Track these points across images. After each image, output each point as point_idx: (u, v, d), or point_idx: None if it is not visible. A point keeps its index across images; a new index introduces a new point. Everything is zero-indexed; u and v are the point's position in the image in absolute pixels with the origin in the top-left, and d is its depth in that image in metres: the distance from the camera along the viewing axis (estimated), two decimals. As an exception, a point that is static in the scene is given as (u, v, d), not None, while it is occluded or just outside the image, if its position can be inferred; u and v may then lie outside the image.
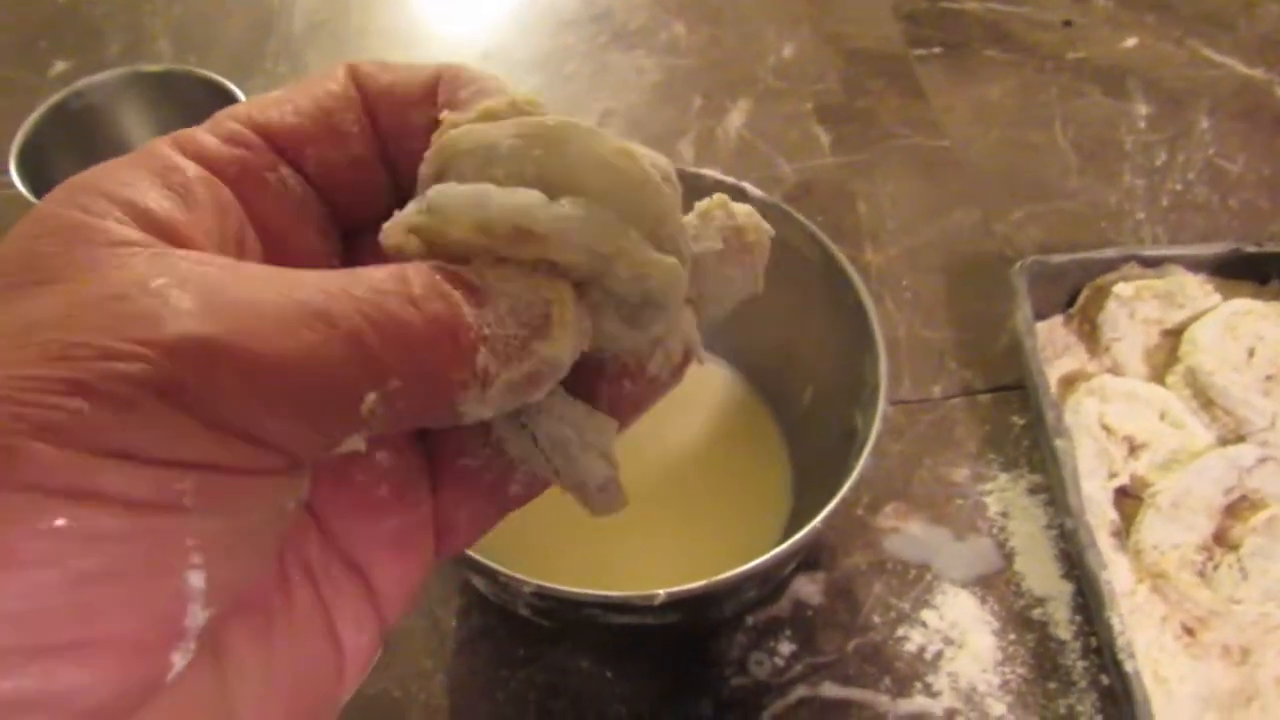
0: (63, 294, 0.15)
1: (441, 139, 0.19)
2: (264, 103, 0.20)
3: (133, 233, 0.16)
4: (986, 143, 0.67)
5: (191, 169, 0.18)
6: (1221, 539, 0.47)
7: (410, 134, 0.21)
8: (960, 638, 0.47)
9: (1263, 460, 0.48)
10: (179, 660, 0.15)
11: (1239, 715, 0.43)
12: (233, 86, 0.53)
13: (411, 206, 0.18)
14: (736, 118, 0.69)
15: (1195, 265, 0.56)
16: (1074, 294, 0.56)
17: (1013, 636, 0.47)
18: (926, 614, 0.47)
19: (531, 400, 0.18)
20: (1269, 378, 0.52)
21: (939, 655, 0.46)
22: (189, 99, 0.54)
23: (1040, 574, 0.49)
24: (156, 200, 0.17)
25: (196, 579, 0.15)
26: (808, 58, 0.73)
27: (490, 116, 0.19)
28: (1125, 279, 0.55)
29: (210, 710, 0.16)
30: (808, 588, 0.48)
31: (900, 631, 0.47)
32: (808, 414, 0.49)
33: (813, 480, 0.47)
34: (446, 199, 0.18)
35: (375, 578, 0.20)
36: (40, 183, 0.49)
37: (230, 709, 0.16)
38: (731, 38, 0.74)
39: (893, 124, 0.68)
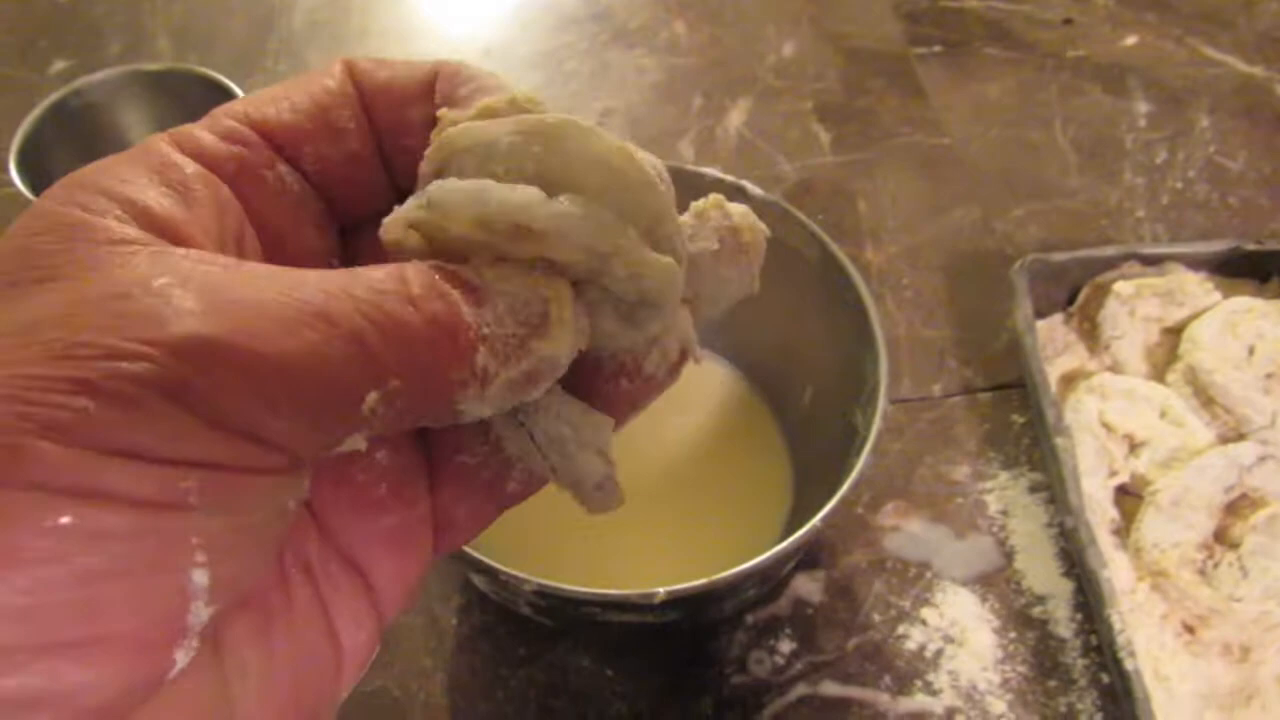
0: (65, 292, 0.15)
1: (441, 136, 0.19)
2: (260, 99, 0.20)
3: (133, 231, 0.16)
4: (987, 141, 0.67)
5: (190, 166, 0.18)
6: (1222, 537, 0.47)
7: (407, 130, 0.21)
8: (960, 636, 0.47)
9: (1263, 458, 0.48)
10: (182, 658, 0.15)
11: (1239, 713, 0.43)
12: (233, 85, 0.53)
13: (411, 202, 0.18)
14: (737, 116, 0.69)
15: (1195, 263, 0.56)
16: (1074, 292, 0.56)
17: (1013, 635, 0.47)
18: (927, 612, 0.47)
19: (530, 398, 0.18)
20: (1269, 376, 0.52)
21: (939, 653, 0.46)
22: (189, 98, 0.54)
23: (1040, 572, 0.49)
24: (155, 198, 0.17)
25: (200, 577, 0.15)
26: (808, 56, 0.73)
27: (490, 114, 0.19)
28: (1125, 277, 0.55)
29: (211, 707, 0.16)
30: (808, 586, 0.48)
31: (900, 630, 0.47)
32: (808, 412, 0.49)
33: (813, 478, 0.47)
34: (446, 194, 0.18)
35: (374, 575, 0.20)
36: (40, 181, 0.49)
37: (230, 706, 0.17)
38: (732, 37, 0.74)
39: (893, 123, 0.68)
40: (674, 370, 0.21)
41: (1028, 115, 0.69)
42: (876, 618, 0.47)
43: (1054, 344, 0.55)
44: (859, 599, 0.48)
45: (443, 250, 0.18)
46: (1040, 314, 0.55)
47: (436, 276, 0.17)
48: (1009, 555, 0.49)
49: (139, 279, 0.15)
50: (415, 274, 0.17)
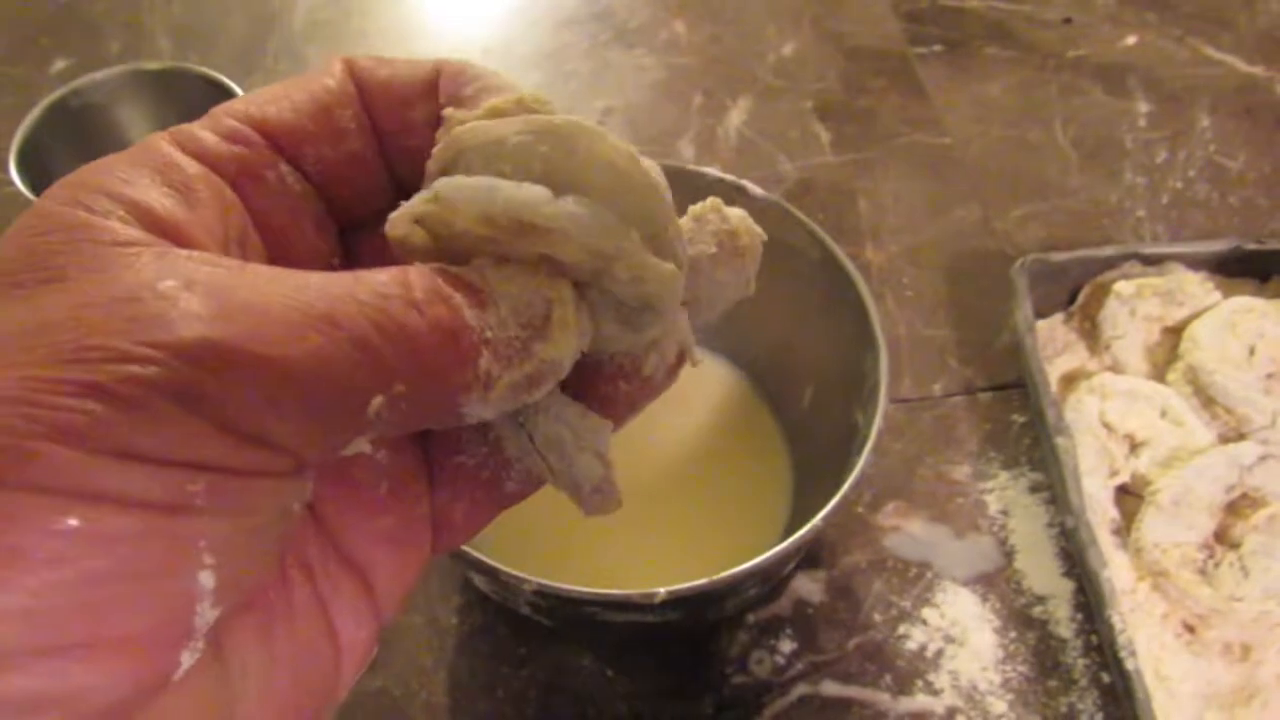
0: (71, 294, 0.15)
1: (449, 134, 0.19)
2: (261, 99, 0.20)
3: (137, 232, 0.16)
4: (987, 141, 0.67)
5: (192, 166, 0.18)
6: (1222, 537, 0.47)
7: (409, 130, 0.21)
8: (961, 636, 0.47)
9: (1263, 458, 0.48)
10: (187, 659, 0.15)
11: (1240, 713, 0.43)
12: (233, 85, 0.53)
13: (418, 197, 0.18)
14: (737, 116, 0.69)
15: (1196, 263, 0.56)
16: (1075, 292, 0.56)
17: (1014, 635, 0.47)
18: (927, 612, 0.47)
19: (532, 400, 0.18)
20: (1270, 375, 0.52)
21: (940, 653, 0.46)
22: (189, 97, 0.54)
23: (1041, 572, 0.49)
24: (158, 199, 0.17)
25: (206, 579, 0.15)
26: (808, 56, 0.73)
27: (497, 115, 0.19)
28: (1126, 277, 0.55)
29: (213, 708, 0.16)
30: (808, 586, 0.48)
31: (901, 630, 0.47)
32: (808, 412, 0.49)
33: (813, 478, 0.47)
34: (454, 189, 0.18)
35: (373, 574, 0.20)
36: (40, 180, 0.49)
37: (232, 706, 0.17)
38: (732, 36, 0.74)
39: (893, 122, 0.68)
40: (672, 373, 0.21)
41: (1028, 115, 0.69)
42: (877, 617, 0.47)
43: (1054, 344, 0.55)
44: (860, 599, 0.48)
45: (447, 248, 0.18)
46: (1041, 314, 0.55)
47: (440, 280, 0.17)
48: (1009, 555, 0.49)
49: (145, 282, 0.15)
50: (419, 277, 0.17)
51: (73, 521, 0.13)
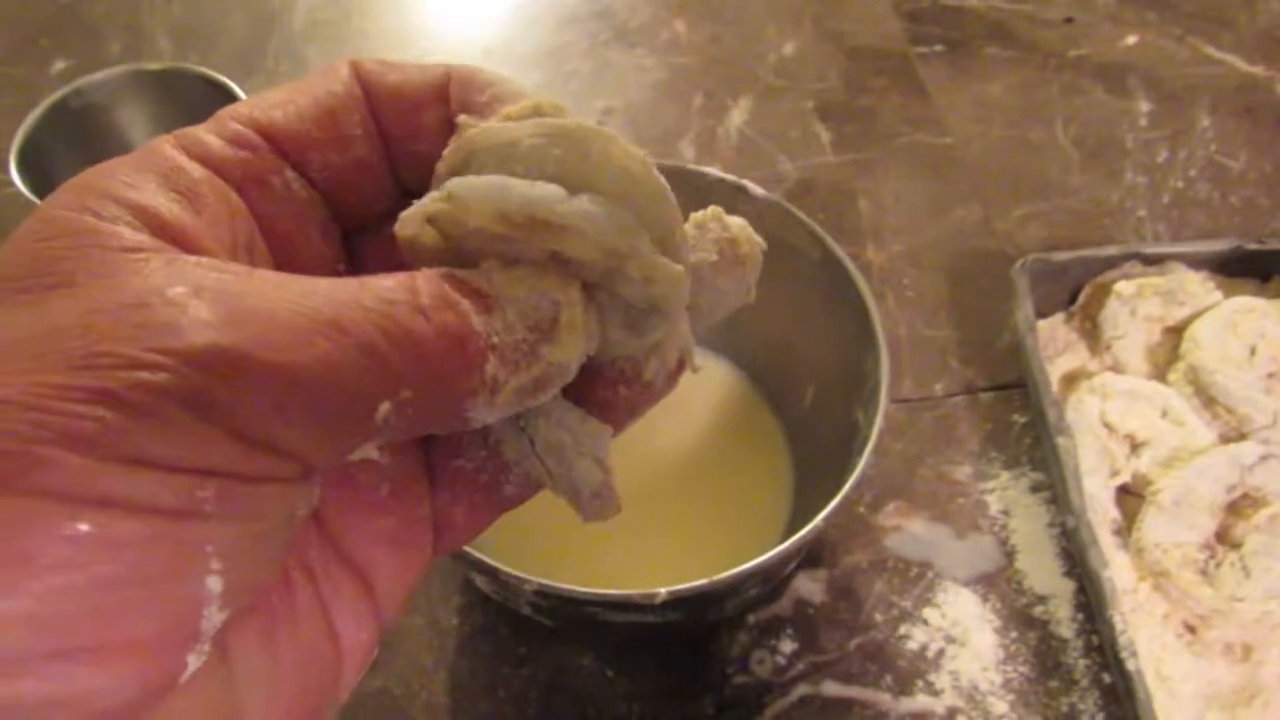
0: (80, 299, 0.15)
1: (461, 137, 0.19)
2: (266, 103, 0.20)
3: (145, 238, 0.16)
4: (988, 141, 0.67)
5: (197, 171, 0.18)
6: (1223, 537, 0.47)
7: (418, 135, 0.20)
8: (962, 636, 0.47)
9: (1264, 458, 0.48)
10: (193, 662, 0.15)
11: (1241, 713, 0.43)
12: (234, 85, 0.53)
13: (428, 197, 0.18)
14: (738, 116, 0.69)
15: (1197, 263, 0.56)
16: (1075, 292, 0.56)
17: (1014, 635, 0.47)
18: (928, 612, 0.47)
19: (539, 403, 0.18)
20: (1270, 375, 0.51)
21: (941, 654, 0.46)
22: (190, 97, 0.54)
23: (1042, 572, 0.49)
24: (165, 204, 0.17)
25: (214, 583, 0.15)
26: (809, 55, 0.73)
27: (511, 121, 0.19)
28: (1127, 277, 0.55)
29: (218, 710, 0.16)
30: (809, 586, 0.48)
31: (902, 630, 0.47)
32: (809, 412, 0.49)
33: (814, 478, 0.47)
34: (467, 188, 0.18)
35: (374, 576, 0.20)
36: (40, 181, 0.49)
37: (236, 707, 0.17)
38: (732, 36, 0.74)
39: (894, 122, 0.68)
40: (672, 378, 0.21)
41: (1029, 114, 0.69)
42: (878, 618, 0.47)
43: (1055, 344, 0.55)
44: (860, 599, 0.48)
45: (457, 249, 0.18)
46: (1041, 314, 0.55)
47: (446, 286, 0.17)
48: (1010, 555, 0.49)
49: (154, 288, 0.15)
50: (425, 283, 0.17)
51: (82, 527, 0.13)
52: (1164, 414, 0.50)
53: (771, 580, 0.46)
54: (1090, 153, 0.66)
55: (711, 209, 0.21)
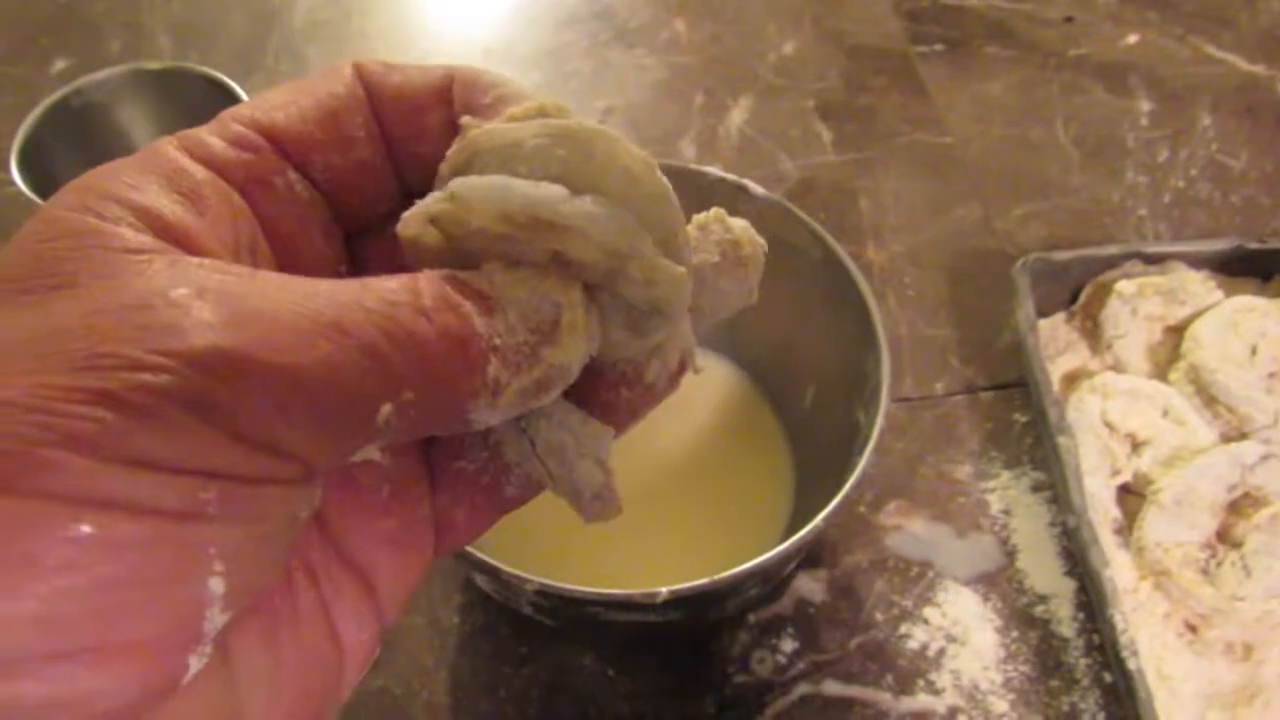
0: (83, 301, 0.15)
1: (465, 137, 0.19)
2: (268, 104, 0.20)
3: (148, 239, 0.16)
4: (988, 140, 0.67)
5: (200, 173, 0.18)
6: (1224, 536, 0.47)
7: (420, 136, 0.20)
8: (963, 635, 0.47)
9: (1265, 457, 0.48)
10: (195, 664, 0.15)
11: (1242, 712, 0.43)
12: (234, 84, 0.53)
13: (431, 197, 0.18)
14: (738, 115, 0.69)
15: (1198, 262, 0.56)
16: (1076, 291, 0.56)
17: (1015, 634, 0.47)
18: (929, 611, 0.47)
19: (540, 405, 0.18)
20: (1271, 375, 0.51)
21: (941, 653, 0.46)
22: (190, 96, 0.54)
23: (1043, 571, 0.49)
24: (168, 206, 0.17)
25: (216, 585, 0.15)
26: (809, 55, 0.73)
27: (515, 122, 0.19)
28: (1127, 276, 0.55)
29: (220, 711, 0.16)
30: (810, 585, 0.48)
31: (903, 629, 0.47)
32: (810, 412, 0.49)
33: (815, 478, 0.47)
34: (470, 188, 0.18)
35: (375, 577, 0.20)
36: (41, 180, 0.49)
37: (237, 710, 0.17)
38: (733, 35, 0.74)
39: (895, 121, 0.68)
40: (674, 379, 0.21)
41: (1029, 114, 0.69)
42: (879, 617, 0.47)
43: (1056, 343, 0.55)
44: (861, 598, 0.48)
45: (459, 249, 0.18)
46: (1042, 313, 0.55)
47: (448, 288, 0.17)
48: (1011, 554, 0.49)
49: (157, 289, 0.15)
50: (427, 284, 0.17)
51: (85, 528, 0.13)
52: (1165, 413, 0.50)
53: (772, 580, 0.46)
54: (1091, 152, 0.66)
55: (714, 210, 0.21)
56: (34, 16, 0.74)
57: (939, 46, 0.73)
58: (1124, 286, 0.54)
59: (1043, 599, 0.48)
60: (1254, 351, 0.52)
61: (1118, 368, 0.53)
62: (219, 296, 0.15)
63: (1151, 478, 0.48)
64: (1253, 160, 0.66)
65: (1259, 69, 0.72)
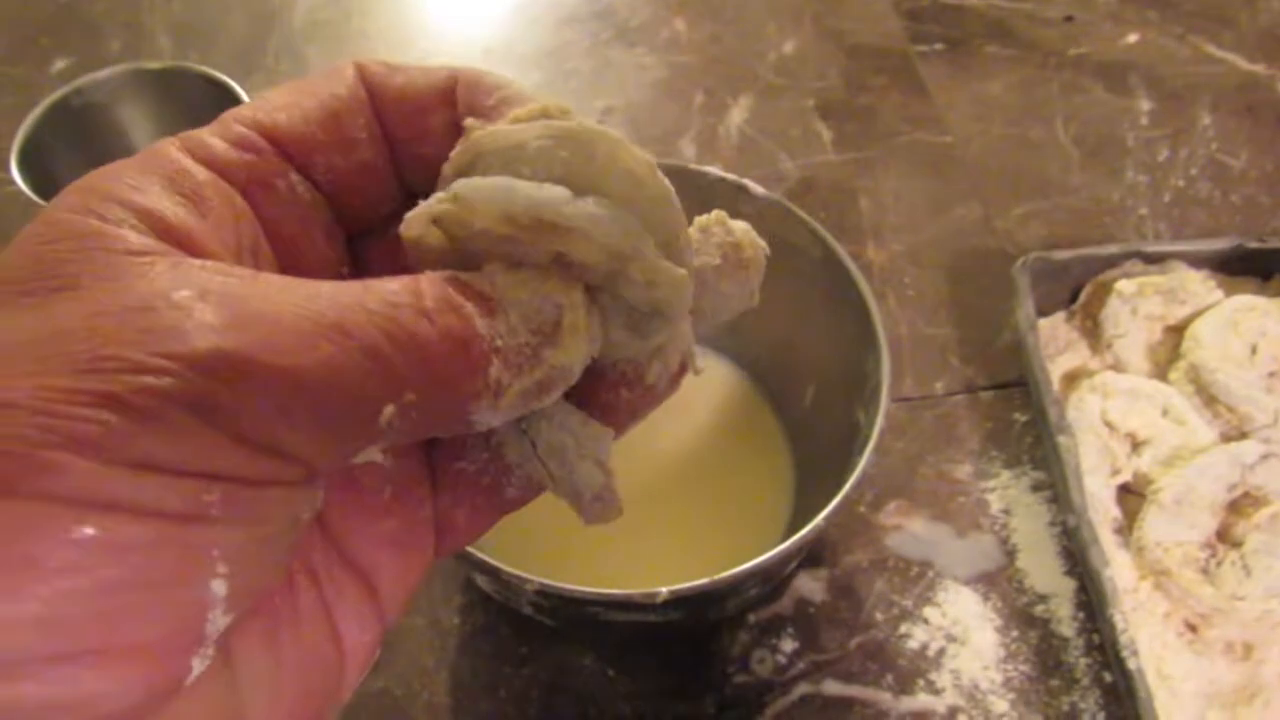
0: (85, 303, 0.15)
1: (468, 139, 0.19)
2: (270, 105, 0.20)
3: (149, 241, 0.16)
4: (988, 139, 0.67)
5: (202, 174, 0.18)
6: (1224, 536, 0.47)
7: (423, 138, 0.20)
8: (963, 635, 0.47)
9: (1265, 457, 0.48)
10: (197, 665, 0.15)
11: (1242, 712, 0.43)
12: (234, 84, 0.53)
13: (434, 198, 0.18)
14: (738, 114, 0.69)
15: (1198, 261, 0.56)
16: (1076, 290, 0.56)
17: (1015, 634, 0.47)
18: (929, 611, 0.47)
19: (541, 406, 0.18)
20: (1272, 374, 0.51)
21: (941, 652, 0.46)
22: (190, 96, 0.54)
23: (1043, 571, 0.49)
24: (170, 208, 0.17)
25: (219, 587, 0.15)
26: (809, 54, 0.73)
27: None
28: (1127, 275, 0.55)
29: (222, 713, 0.16)
30: (810, 585, 0.48)
31: (903, 629, 0.47)
32: (810, 411, 0.49)
33: (815, 477, 0.47)
34: (473, 189, 0.18)
35: (376, 578, 0.20)
36: (41, 180, 0.49)
37: (239, 711, 0.17)
38: (733, 34, 0.74)
39: (895, 120, 0.68)
40: (674, 381, 0.21)
41: (1029, 113, 0.69)
42: (879, 617, 0.47)
43: (1056, 342, 0.55)
44: (861, 598, 0.48)
45: (461, 250, 0.18)
46: (1042, 312, 0.55)
47: (450, 289, 0.17)
48: (1011, 554, 0.49)
49: (160, 291, 0.15)
50: (429, 286, 0.17)
51: (88, 531, 0.13)
52: (1165, 413, 0.50)
53: (772, 580, 0.46)
54: (1091, 151, 0.66)
55: (715, 213, 0.21)
56: (34, 16, 0.74)
57: (939, 46, 0.73)
58: (1124, 286, 0.54)
59: (1043, 598, 0.48)
60: (1254, 351, 0.52)
61: (1118, 367, 0.53)
62: (221, 298, 0.15)
63: (1151, 477, 0.48)
64: (1253, 159, 0.66)
65: (1259, 68, 0.72)
